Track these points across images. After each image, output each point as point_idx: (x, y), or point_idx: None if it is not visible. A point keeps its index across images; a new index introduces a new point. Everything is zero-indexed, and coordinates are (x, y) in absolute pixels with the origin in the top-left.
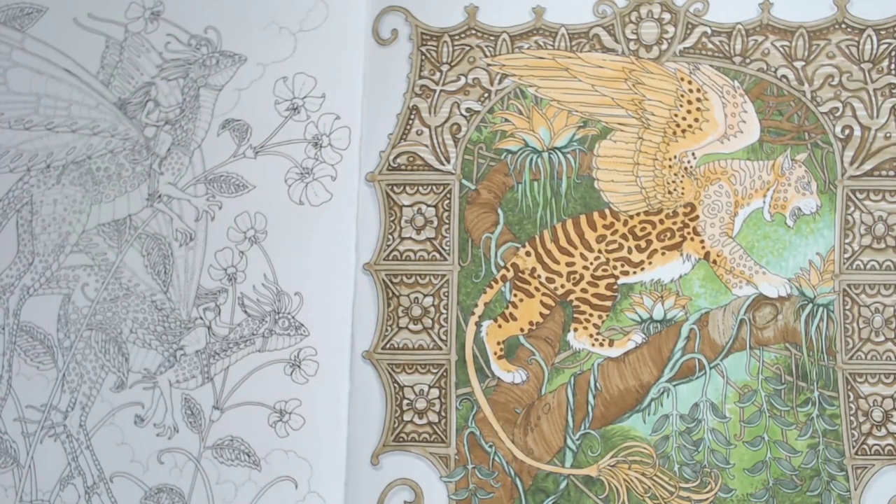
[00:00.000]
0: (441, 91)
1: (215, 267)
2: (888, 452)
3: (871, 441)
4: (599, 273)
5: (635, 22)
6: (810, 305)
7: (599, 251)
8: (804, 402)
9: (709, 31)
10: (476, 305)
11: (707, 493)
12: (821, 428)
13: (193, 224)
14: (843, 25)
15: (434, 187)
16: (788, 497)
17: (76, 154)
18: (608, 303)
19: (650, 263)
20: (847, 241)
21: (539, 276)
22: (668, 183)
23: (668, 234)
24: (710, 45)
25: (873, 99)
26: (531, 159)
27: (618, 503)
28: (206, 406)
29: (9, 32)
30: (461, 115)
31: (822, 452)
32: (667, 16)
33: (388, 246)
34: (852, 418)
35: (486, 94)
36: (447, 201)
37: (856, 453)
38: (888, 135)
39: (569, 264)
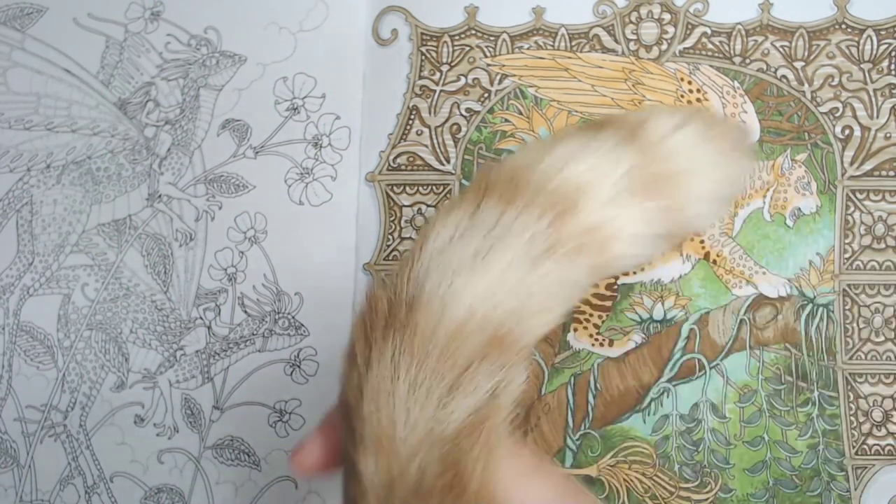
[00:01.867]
0: (441, 91)
1: (215, 267)
2: (888, 452)
3: (871, 441)
4: None
5: (635, 22)
6: (810, 305)
7: None
8: (804, 402)
9: (709, 32)
10: None
11: (707, 493)
12: (821, 428)
13: (193, 224)
14: (843, 25)
15: (434, 187)
16: (788, 497)
17: (76, 154)
18: (608, 303)
19: (650, 263)
20: (847, 241)
21: None
22: None
23: None
24: (710, 46)
25: (873, 99)
26: None
27: (618, 503)
28: (206, 406)
29: (9, 32)
30: (461, 115)
31: (822, 452)
32: (667, 16)
33: (389, 246)
34: (852, 418)
35: (486, 95)
36: (447, 201)
37: (856, 453)
38: (888, 135)
39: None
